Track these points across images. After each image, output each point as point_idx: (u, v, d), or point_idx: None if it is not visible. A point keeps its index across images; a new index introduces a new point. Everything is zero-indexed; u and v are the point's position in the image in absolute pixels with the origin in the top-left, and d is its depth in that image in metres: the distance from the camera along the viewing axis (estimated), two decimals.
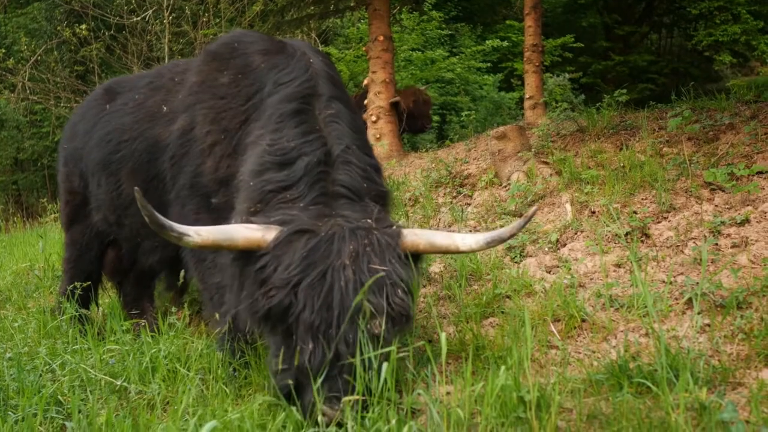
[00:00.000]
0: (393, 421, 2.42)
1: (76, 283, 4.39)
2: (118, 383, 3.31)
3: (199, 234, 2.81)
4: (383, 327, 2.74)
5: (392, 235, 2.95)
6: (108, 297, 5.37)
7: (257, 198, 3.13)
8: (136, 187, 2.68)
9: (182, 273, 3.93)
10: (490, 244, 3.05)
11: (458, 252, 3.07)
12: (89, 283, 4.70)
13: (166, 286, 4.73)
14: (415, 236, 2.99)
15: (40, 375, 3.39)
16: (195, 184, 3.74)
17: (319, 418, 2.56)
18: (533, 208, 3.07)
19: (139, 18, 15.19)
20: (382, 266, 2.81)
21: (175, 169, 3.87)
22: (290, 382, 2.76)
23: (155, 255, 4.43)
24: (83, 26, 15.22)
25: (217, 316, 3.65)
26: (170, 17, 14.71)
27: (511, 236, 3.07)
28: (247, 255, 2.89)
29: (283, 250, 2.81)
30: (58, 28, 16.33)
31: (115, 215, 4.44)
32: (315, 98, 3.47)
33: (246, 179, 3.24)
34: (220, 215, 3.60)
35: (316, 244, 2.81)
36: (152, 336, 3.77)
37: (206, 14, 14.94)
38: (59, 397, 3.19)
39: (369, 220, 2.98)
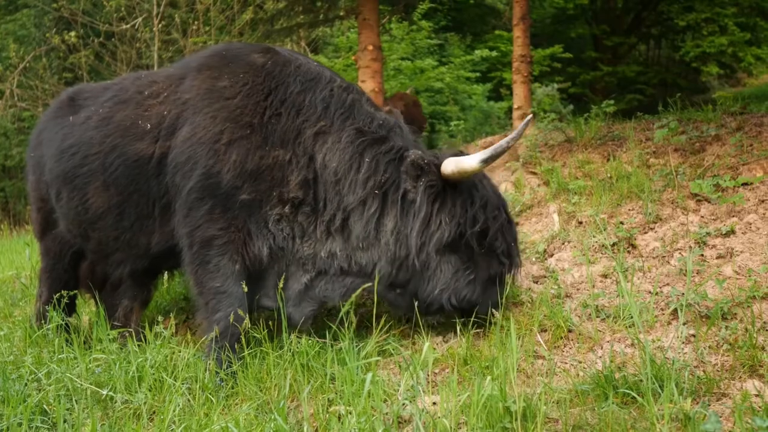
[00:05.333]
0: (379, 431, 2.42)
1: (63, 292, 4.33)
2: (104, 393, 3.30)
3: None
4: None
5: None
6: (95, 306, 5.33)
7: (383, 168, 3.72)
8: None
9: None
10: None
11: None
12: (75, 292, 4.65)
13: (129, 297, 4.65)
14: None
15: (26, 384, 3.37)
16: (208, 186, 3.73)
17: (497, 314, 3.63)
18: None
19: (128, 25, 15.14)
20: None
21: (179, 177, 3.84)
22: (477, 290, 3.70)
23: (125, 267, 4.34)
24: (72, 33, 15.16)
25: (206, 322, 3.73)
26: (160, 25, 14.67)
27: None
28: (453, 184, 3.65)
29: (487, 179, 3.80)
30: (47, 34, 16.25)
31: (80, 229, 4.33)
32: (350, 88, 3.98)
33: (349, 159, 3.73)
34: (245, 212, 3.72)
35: None
36: (139, 345, 3.76)
37: (196, 22, 14.91)
38: (44, 406, 3.17)
39: None
